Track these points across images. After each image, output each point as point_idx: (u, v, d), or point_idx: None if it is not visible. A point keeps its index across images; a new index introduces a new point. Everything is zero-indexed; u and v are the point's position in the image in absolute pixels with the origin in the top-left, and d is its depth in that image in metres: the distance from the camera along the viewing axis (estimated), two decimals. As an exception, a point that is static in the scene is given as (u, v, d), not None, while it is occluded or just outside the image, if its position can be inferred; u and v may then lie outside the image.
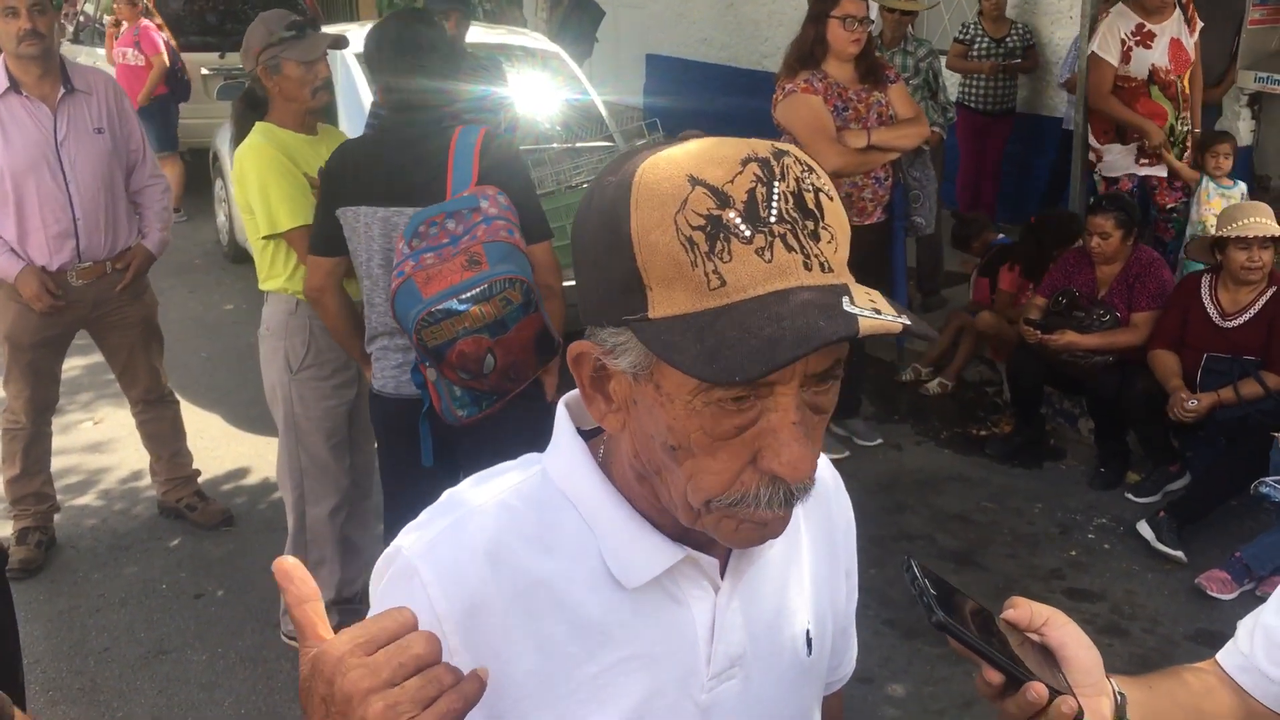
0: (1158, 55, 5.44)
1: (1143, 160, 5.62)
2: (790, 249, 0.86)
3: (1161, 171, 5.57)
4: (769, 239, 0.85)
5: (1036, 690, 0.97)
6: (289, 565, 0.90)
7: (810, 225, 0.87)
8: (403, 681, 0.82)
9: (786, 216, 0.86)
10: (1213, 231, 5.24)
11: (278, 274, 3.57)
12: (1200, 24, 5.47)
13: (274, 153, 3.42)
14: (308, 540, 3.72)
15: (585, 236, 0.95)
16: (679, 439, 0.91)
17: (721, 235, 0.85)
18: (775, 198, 0.86)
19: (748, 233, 0.85)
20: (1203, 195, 5.49)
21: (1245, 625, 1.30)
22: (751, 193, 0.86)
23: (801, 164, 0.90)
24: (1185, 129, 5.51)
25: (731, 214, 0.85)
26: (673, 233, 0.86)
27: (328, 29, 4.24)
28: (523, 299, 2.79)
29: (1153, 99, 5.51)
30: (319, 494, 3.70)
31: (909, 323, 0.85)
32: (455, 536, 1.01)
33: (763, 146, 0.90)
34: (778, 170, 0.88)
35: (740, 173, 0.87)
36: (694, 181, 0.87)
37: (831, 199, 0.90)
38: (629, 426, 0.98)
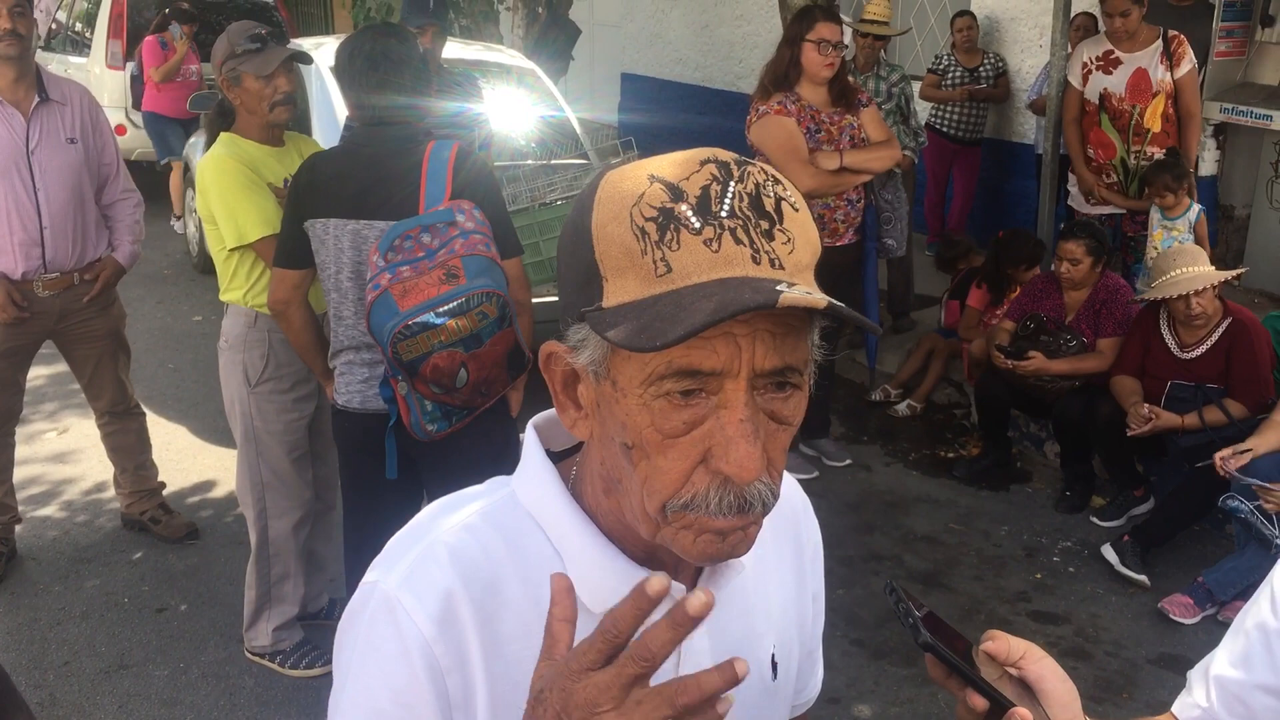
0: (1114, 82, 5.50)
1: (1091, 199, 5.73)
2: (739, 242, 0.87)
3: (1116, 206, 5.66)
4: (718, 231, 0.87)
5: (1022, 716, 0.96)
6: (567, 584, 0.87)
7: (765, 225, 0.89)
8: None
9: (739, 213, 0.88)
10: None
11: (238, 286, 3.55)
12: (1192, 63, 5.45)
13: (235, 165, 3.41)
14: (270, 555, 3.70)
15: (562, 239, 0.97)
16: (633, 436, 0.91)
17: (672, 226, 0.87)
18: (730, 195, 0.88)
19: (697, 224, 0.87)
20: (1149, 225, 5.56)
21: (1197, 676, 1.31)
22: (706, 189, 0.89)
23: (768, 175, 0.92)
24: (1140, 164, 5.54)
25: (683, 206, 0.88)
26: (627, 224, 0.88)
27: (302, 41, 4.24)
28: (498, 313, 2.78)
29: (1102, 128, 5.59)
30: (281, 508, 3.67)
31: (840, 306, 0.86)
32: (430, 562, 1.00)
33: (727, 154, 0.93)
34: (737, 173, 0.90)
35: (697, 171, 0.90)
36: (653, 179, 0.90)
37: (796, 210, 0.92)
38: (595, 433, 0.98)
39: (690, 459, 0.90)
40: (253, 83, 3.44)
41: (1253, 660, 1.25)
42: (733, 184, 0.89)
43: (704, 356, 0.87)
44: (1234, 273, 4.65)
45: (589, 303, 0.91)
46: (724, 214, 0.88)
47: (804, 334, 0.92)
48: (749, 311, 0.83)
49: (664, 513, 0.92)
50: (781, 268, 0.88)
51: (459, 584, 0.98)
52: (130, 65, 9.49)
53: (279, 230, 3.35)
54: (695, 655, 1.05)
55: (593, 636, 0.81)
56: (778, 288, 0.84)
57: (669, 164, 0.91)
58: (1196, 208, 5.43)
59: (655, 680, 1.03)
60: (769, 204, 0.90)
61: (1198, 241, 5.39)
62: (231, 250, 3.47)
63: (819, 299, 0.85)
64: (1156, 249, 5.49)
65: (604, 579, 1.00)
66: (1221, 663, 1.28)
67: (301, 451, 3.68)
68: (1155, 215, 5.46)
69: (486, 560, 1.00)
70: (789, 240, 0.90)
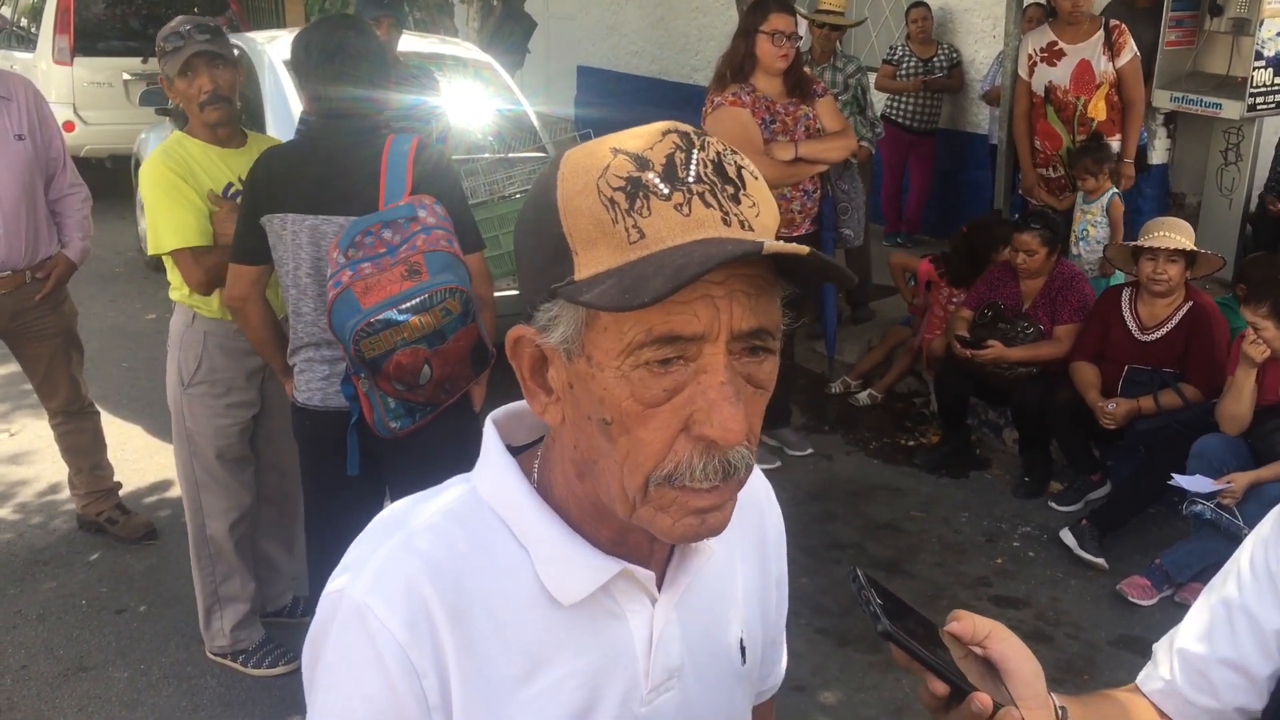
0: (1059, 73, 5.57)
1: (1031, 200, 5.82)
2: (709, 205, 0.88)
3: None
4: (687, 195, 0.88)
5: (981, 701, 0.97)
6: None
7: (730, 189, 0.90)
8: None
9: (705, 178, 0.89)
10: (1083, 241, 5.42)
11: (179, 284, 3.52)
12: (1133, 52, 5.53)
13: (166, 170, 3.35)
14: (211, 554, 3.67)
15: (522, 222, 0.97)
16: (611, 410, 0.91)
17: (641, 194, 0.88)
18: (694, 162, 0.89)
19: (665, 190, 0.88)
20: (1075, 209, 5.66)
21: (1162, 649, 1.33)
22: (670, 157, 0.89)
23: (725, 145, 0.93)
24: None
25: (650, 175, 0.88)
26: (595, 196, 0.89)
27: (255, 34, 4.19)
28: (461, 309, 2.76)
29: (1048, 120, 5.67)
30: (216, 508, 3.65)
31: (821, 254, 0.88)
32: (397, 564, 0.98)
33: (686, 125, 0.94)
34: (698, 142, 0.91)
35: (660, 141, 0.90)
36: (615, 151, 0.90)
37: (755, 178, 0.93)
38: (568, 417, 0.97)
39: (672, 428, 0.90)
40: (179, 82, 3.38)
41: (1215, 635, 1.27)
42: (695, 151, 0.90)
43: (685, 321, 0.87)
44: (1214, 255, 4.72)
45: (559, 278, 0.90)
46: (691, 179, 0.89)
47: (775, 296, 0.93)
48: (736, 259, 0.84)
49: (645, 488, 0.92)
50: (750, 229, 0.89)
51: (428, 584, 0.97)
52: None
53: (193, 244, 3.33)
54: (666, 642, 1.05)
55: None
56: (758, 240, 0.86)
57: (630, 137, 0.92)
58: (1111, 192, 5.51)
59: (624, 668, 1.04)
60: (731, 170, 0.91)
61: (1112, 226, 5.49)
62: (152, 255, 3.46)
63: (801, 247, 0.87)
64: (1074, 233, 5.59)
65: (573, 571, 1.00)
66: (1185, 636, 1.30)
67: (234, 455, 3.64)
68: (1079, 199, 5.59)
69: (452, 558, 0.99)
70: (754, 204, 0.91)
